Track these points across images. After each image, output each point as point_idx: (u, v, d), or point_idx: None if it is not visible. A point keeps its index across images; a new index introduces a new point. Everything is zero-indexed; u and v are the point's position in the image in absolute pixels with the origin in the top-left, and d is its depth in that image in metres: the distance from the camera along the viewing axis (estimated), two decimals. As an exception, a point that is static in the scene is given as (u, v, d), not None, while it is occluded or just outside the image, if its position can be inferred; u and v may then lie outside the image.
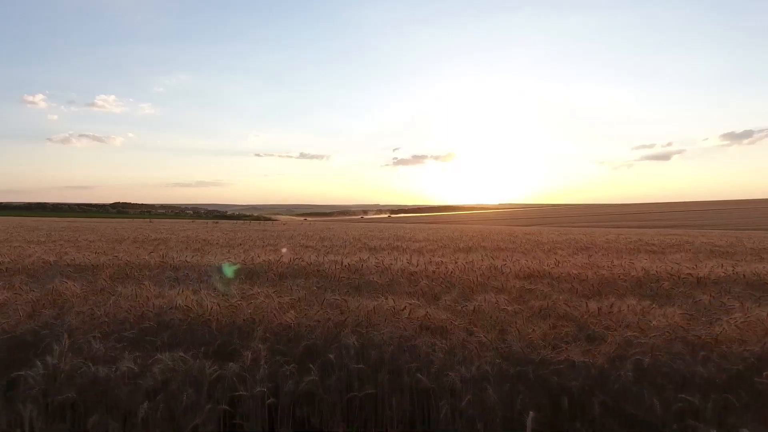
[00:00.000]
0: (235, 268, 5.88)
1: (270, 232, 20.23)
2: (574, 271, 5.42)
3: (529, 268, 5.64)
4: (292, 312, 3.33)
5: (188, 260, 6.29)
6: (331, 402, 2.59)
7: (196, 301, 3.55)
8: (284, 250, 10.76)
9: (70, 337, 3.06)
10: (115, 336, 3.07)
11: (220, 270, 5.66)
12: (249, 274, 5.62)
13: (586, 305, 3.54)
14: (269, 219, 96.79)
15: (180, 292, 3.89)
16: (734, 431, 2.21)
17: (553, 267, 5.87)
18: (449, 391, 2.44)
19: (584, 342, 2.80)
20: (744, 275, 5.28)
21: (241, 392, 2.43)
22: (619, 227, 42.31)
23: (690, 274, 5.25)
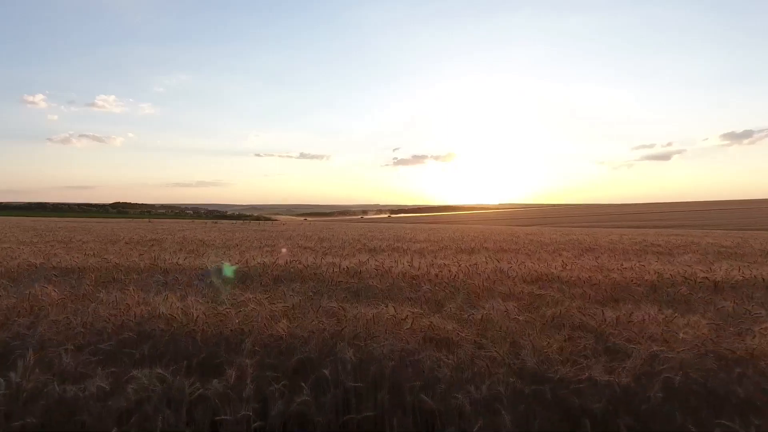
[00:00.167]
0: (228, 271, 5.62)
1: (268, 233, 19.97)
2: (584, 275, 5.16)
3: (536, 271, 5.38)
4: (285, 321, 3.07)
5: (180, 263, 6.03)
6: (325, 424, 2.33)
7: (182, 308, 3.29)
8: (284, 250, 10.51)
9: (42, 350, 2.82)
10: (90, 348, 2.80)
11: (212, 273, 5.40)
12: (243, 278, 5.37)
13: (602, 313, 3.28)
14: (269, 219, 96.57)
15: (165, 298, 3.63)
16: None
17: (561, 270, 5.60)
18: (457, 413, 2.18)
19: (605, 356, 2.54)
20: (763, 279, 5.02)
21: (224, 416, 2.16)
22: (619, 227, 42.04)
23: (706, 277, 4.99)
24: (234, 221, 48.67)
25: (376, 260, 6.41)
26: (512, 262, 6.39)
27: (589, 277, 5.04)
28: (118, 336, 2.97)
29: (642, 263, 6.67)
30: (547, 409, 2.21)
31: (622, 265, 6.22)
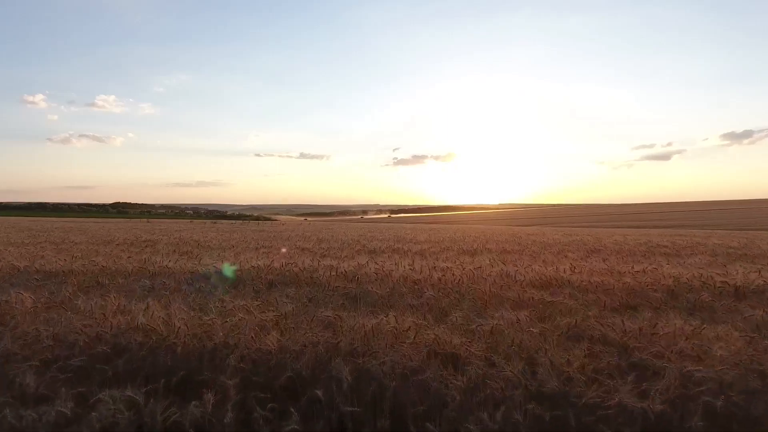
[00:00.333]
0: (221, 274, 5.34)
1: (267, 233, 19.68)
2: (595, 279, 4.88)
3: (544, 275, 5.10)
4: (275, 333, 2.79)
5: (170, 266, 5.75)
6: (316, 455, 2.05)
7: (164, 318, 3.02)
8: (283, 250, 10.26)
9: (6, 366, 2.55)
10: (58, 365, 2.52)
11: (202, 277, 5.12)
12: (235, 282, 5.09)
13: (623, 323, 3.00)
14: (269, 219, 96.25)
15: (147, 306, 3.35)
16: None
17: (570, 274, 5.33)
18: (468, 445, 1.90)
19: (631, 375, 2.25)
20: (785, 283, 4.74)
21: (199, 448, 1.89)
22: (619, 227, 41.73)
23: (725, 282, 4.71)
24: (233, 221, 48.40)
25: (375, 263, 6.13)
26: (518, 265, 6.11)
27: (602, 281, 4.76)
28: (90, 350, 2.69)
29: (653, 266, 6.38)
30: (571, 440, 1.94)
31: (633, 268, 5.94)
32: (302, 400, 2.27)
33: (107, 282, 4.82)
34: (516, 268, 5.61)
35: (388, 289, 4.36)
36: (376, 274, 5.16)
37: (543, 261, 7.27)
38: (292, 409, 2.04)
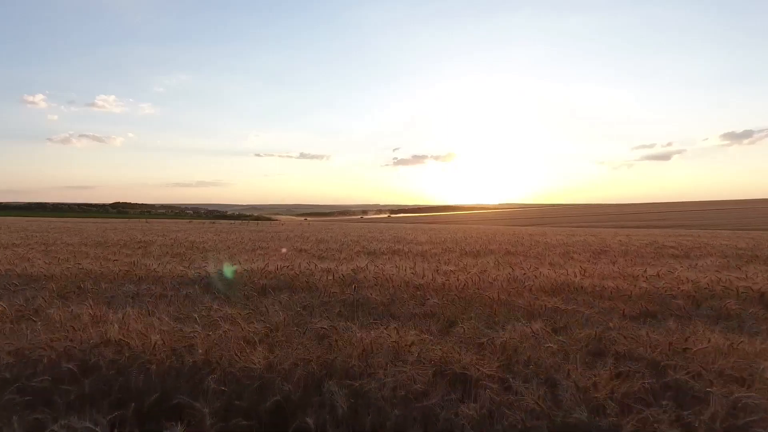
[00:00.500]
0: (210, 279, 5.05)
1: (265, 234, 19.38)
2: (609, 284, 4.58)
3: (554, 279, 4.80)
4: (262, 349, 2.49)
5: (157, 269, 5.45)
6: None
7: (140, 330, 2.72)
8: (284, 250, 9.99)
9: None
10: (16, 386, 2.23)
11: (190, 283, 4.83)
12: (226, 286, 4.79)
13: (648, 336, 2.71)
14: (269, 219, 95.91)
15: (123, 316, 3.06)
16: None
17: (580, 278, 5.03)
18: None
19: (668, 399, 1.96)
20: (811, 288, 4.44)
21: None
22: (619, 227, 41.43)
23: (748, 287, 4.41)
24: (232, 221, 48.11)
25: (375, 265, 5.84)
26: (524, 268, 5.81)
27: (616, 286, 4.47)
28: (55, 368, 2.40)
29: (665, 269, 6.09)
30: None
31: (645, 271, 5.64)
32: (291, 428, 1.98)
33: (90, 287, 4.52)
34: (523, 272, 5.32)
35: (388, 296, 4.07)
36: (376, 278, 4.86)
37: (550, 263, 6.98)
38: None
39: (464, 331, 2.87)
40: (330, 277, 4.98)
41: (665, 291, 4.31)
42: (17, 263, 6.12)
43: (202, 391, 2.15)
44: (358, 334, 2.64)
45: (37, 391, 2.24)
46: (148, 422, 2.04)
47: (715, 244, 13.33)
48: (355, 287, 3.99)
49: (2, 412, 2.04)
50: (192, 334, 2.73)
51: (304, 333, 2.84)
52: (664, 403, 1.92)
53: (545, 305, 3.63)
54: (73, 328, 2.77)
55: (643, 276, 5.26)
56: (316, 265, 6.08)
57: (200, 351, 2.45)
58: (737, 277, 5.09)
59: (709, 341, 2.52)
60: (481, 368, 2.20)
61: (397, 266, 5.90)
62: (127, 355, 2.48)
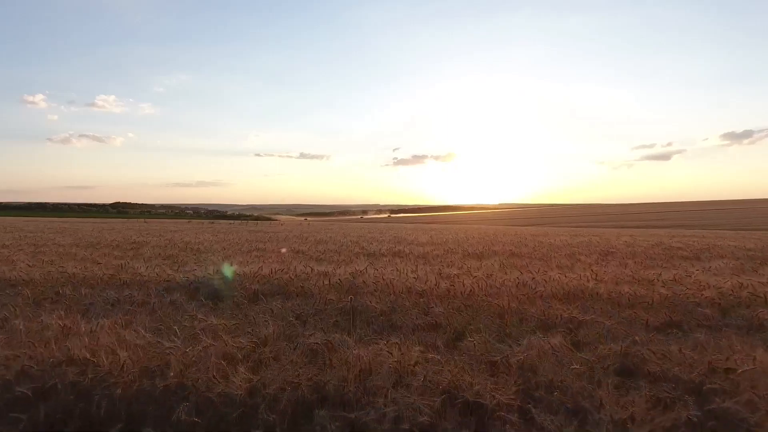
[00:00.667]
0: (199, 284, 4.74)
1: (263, 234, 19.06)
2: (625, 290, 4.28)
3: (566, 284, 4.50)
4: (245, 369, 2.19)
5: (144, 273, 5.15)
6: None
7: (110, 345, 2.42)
8: (283, 250, 9.71)
9: None
10: (-42, 414, 1.94)
11: (178, 288, 4.52)
12: (216, 292, 4.49)
13: (681, 353, 2.40)
14: (269, 219, 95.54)
15: (95, 328, 2.76)
16: None
17: (594, 282, 4.73)
18: None
19: (718, 435, 1.66)
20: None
21: None
22: (619, 227, 41.09)
23: (775, 293, 4.10)
24: (232, 221, 47.76)
25: (375, 269, 5.53)
26: (532, 272, 5.51)
27: (633, 292, 4.16)
28: (7, 393, 2.10)
29: (680, 272, 5.79)
30: None
31: (660, 275, 5.34)
32: (274, 469, 1.68)
33: (69, 293, 4.22)
34: (532, 276, 5.02)
35: (389, 303, 3.76)
36: (376, 283, 4.56)
37: (557, 266, 6.67)
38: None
39: (474, 345, 2.57)
40: (327, 282, 4.67)
41: (687, 298, 4.00)
42: (-2, 266, 5.83)
43: (171, 423, 1.84)
44: (355, 351, 2.34)
45: (-17, 421, 1.94)
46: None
47: (723, 245, 13.01)
48: (351, 297, 3.68)
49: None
50: (168, 351, 2.43)
51: (294, 348, 2.54)
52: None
53: (561, 315, 3.32)
54: (36, 343, 2.46)
55: (658, 280, 4.96)
56: (312, 268, 5.78)
57: (172, 373, 2.14)
58: (759, 282, 4.79)
59: (754, 360, 2.22)
60: (496, 395, 1.90)
61: (398, 269, 5.60)
62: (90, 376, 2.17)
